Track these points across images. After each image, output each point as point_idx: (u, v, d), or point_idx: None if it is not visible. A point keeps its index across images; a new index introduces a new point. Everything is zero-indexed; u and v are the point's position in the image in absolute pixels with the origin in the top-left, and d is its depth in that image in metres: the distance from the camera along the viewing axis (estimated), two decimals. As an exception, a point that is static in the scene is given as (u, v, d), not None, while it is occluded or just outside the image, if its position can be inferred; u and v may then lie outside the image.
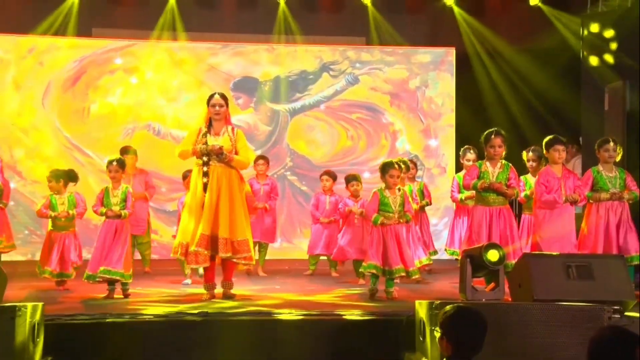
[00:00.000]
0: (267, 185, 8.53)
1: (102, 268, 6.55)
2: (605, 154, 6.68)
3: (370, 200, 6.71)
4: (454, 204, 8.44)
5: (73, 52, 10.58)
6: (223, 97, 6.57)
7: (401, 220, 6.63)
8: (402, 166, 7.15)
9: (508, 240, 6.39)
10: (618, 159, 6.73)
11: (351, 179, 7.98)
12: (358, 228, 7.75)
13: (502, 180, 6.51)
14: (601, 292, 5.12)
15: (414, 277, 6.72)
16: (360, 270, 7.07)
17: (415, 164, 8.58)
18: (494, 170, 6.54)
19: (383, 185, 6.72)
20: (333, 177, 8.44)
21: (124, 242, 6.70)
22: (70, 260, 7.10)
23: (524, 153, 7.50)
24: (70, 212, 7.14)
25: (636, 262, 6.57)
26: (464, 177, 7.02)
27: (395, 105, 11.12)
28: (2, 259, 7.50)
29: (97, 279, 6.59)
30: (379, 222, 6.55)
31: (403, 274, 6.51)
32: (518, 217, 7.45)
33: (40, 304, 4.90)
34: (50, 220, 7.18)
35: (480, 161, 6.73)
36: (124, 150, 8.33)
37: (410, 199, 7.09)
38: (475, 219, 6.56)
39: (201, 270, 6.98)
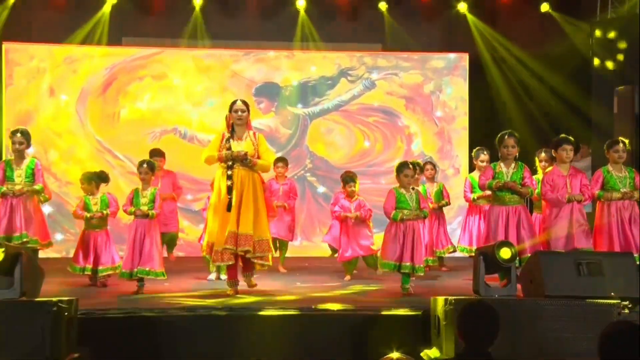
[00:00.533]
0: (286, 185, 8.55)
1: (139, 268, 6.59)
2: (615, 155, 6.61)
3: (387, 199, 6.73)
4: (467, 203, 8.39)
5: (104, 60, 10.66)
6: (245, 103, 6.59)
7: (419, 217, 6.65)
8: (416, 167, 7.15)
9: (524, 238, 6.36)
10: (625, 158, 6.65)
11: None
12: (353, 227, 7.71)
13: (517, 179, 6.48)
14: (611, 289, 5.07)
15: (418, 274, 6.71)
16: (378, 267, 7.06)
17: (434, 165, 8.57)
18: (508, 171, 6.51)
19: (398, 184, 6.75)
20: (355, 180, 8.45)
21: (155, 242, 6.74)
22: (105, 257, 7.11)
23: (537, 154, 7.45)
24: (104, 212, 7.19)
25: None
26: (479, 177, 6.98)
27: (411, 109, 11.09)
28: (39, 256, 7.57)
29: (134, 277, 6.63)
30: (398, 218, 6.58)
31: (409, 271, 6.53)
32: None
33: (74, 299, 4.96)
34: (84, 219, 7.24)
35: (494, 162, 6.70)
36: (153, 153, 8.36)
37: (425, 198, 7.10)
38: (492, 219, 6.53)
39: (223, 271, 7.06)
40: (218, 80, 10.87)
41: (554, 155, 6.76)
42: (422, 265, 6.63)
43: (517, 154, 6.57)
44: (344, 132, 11.06)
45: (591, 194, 6.57)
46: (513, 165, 6.54)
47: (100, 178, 7.40)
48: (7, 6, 10.06)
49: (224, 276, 7.20)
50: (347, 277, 7.74)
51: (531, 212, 7.23)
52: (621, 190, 6.51)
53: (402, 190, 6.70)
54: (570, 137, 6.70)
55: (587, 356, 4.19)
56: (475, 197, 7.85)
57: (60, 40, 10.45)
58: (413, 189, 6.78)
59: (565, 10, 10.55)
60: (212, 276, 7.53)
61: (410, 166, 6.82)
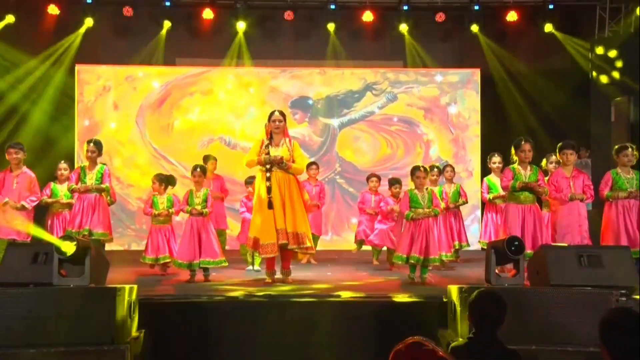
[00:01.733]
0: (318, 187, 8.57)
1: (201, 260, 6.65)
2: (625, 159, 6.49)
3: (403, 199, 6.78)
4: (482, 202, 8.29)
5: (160, 79, 10.80)
6: (282, 114, 6.59)
7: (430, 215, 6.62)
8: (428, 169, 7.11)
9: (537, 234, 6.31)
10: (634, 162, 6.52)
11: (394, 182, 7.96)
12: (397, 223, 7.70)
13: (533, 181, 6.41)
14: (609, 278, 4.99)
15: (433, 264, 6.73)
16: (393, 260, 7.04)
17: (453, 168, 8.49)
18: (525, 173, 6.44)
19: (413, 185, 6.74)
20: (379, 178, 8.47)
21: (212, 235, 6.81)
22: (169, 249, 7.17)
23: (544, 160, 7.34)
24: (170, 210, 7.25)
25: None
26: (501, 179, 6.86)
27: (429, 119, 11.02)
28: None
29: (193, 268, 6.68)
30: (410, 217, 6.60)
31: (416, 262, 6.54)
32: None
33: (135, 286, 5.01)
34: (152, 216, 7.30)
35: (512, 165, 6.58)
36: (206, 158, 8.37)
37: (439, 198, 7.05)
38: (510, 216, 6.46)
39: (257, 263, 7.10)
40: (258, 95, 10.92)
41: (558, 158, 6.68)
42: (436, 257, 6.61)
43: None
44: (369, 139, 11.03)
45: (594, 194, 6.47)
46: (529, 168, 6.47)
47: (169, 181, 7.46)
48: (79, 33, 10.24)
49: (257, 267, 7.28)
50: (375, 262, 7.78)
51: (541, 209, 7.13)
52: (628, 190, 6.39)
53: (416, 191, 6.69)
54: (572, 142, 6.61)
55: (588, 340, 4.13)
56: (492, 197, 7.75)
57: (122, 62, 10.60)
58: (426, 189, 6.75)
59: (567, 30, 10.40)
60: (251, 267, 7.56)
61: (422, 169, 6.78)
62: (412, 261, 6.54)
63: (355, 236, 8.54)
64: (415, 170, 6.78)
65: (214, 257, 6.70)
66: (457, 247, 8.12)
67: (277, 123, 6.49)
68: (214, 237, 6.83)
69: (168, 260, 7.15)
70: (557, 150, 6.66)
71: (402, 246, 6.62)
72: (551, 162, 7.32)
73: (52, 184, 7.60)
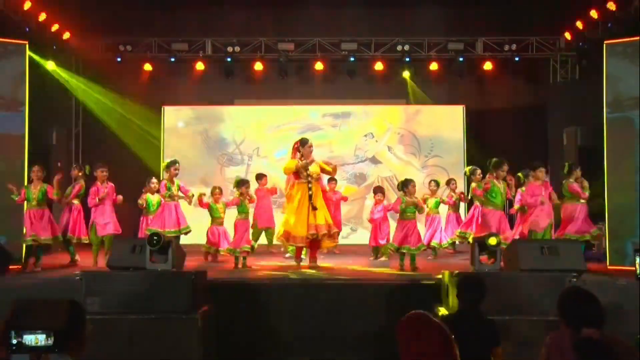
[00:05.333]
0: (337, 194, 8.43)
1: (242, 247, 6.78)
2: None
3: (396, 203, 6.85)
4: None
5: (225, 115, 10.76)
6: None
7: (416, 203, 6.76)
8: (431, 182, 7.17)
9: (505, 231, 6.54)
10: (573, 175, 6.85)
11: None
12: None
13: (504, 189, 6.67)
14: (564, 264, 4.99)
15: (422, 250, 6.77)
16: (388, 248, 7.07)
17: (446, 182, 8.61)
18: (500, 185, 6.69)
19: (403, 193, 6.82)
20: (384, 192, 8.36)
21: (248, 233, 6.97)
22: (219, 243, 7.27)
23: (520, 174, 7.30)
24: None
25: (587, 238, 6.72)
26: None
27: (424, 146, 10.82)
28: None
29: (236, 254, 6.80)
30: (404, 201, 6.71)
31: (407, 251, 6.58)
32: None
33: (205, 270, 5.13)
34: (211, 218, 7.39)
35: (492, 180, 6.77)
36: (259, 176, 8.32)
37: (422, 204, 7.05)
38: (487, 217, 6.64)
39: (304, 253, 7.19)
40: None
41: (532, 174, 6.90)
42: (422, 244, 6.71)
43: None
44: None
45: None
46: (501, 182, 6.74)
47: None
48: (165, 84, 10.48)
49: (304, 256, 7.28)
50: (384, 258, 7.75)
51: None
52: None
53: (406, 197, 6.74)
54: (541, 163, 6.98)
55: (549, 311, 4.10)
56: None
57: (195, 103, 10.72)
58: (414, 197, 6.81)
59: (529, 77, 10.41)
60: (288, 255, 7.54)
61: (412, 182, 6.86)
62: (404, 251, 6.56)
63: (370, 242, 8.41)
64: (407, 182, 6.85)
65: (248, 247, 6.82)
66: (453, 241, 8.10)
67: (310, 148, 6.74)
68: (249, 234, 6.98)
69: (217, 252, 7.26)
70: (532, 168, 6.90)
71: (396, 239, 6.68)
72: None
73: (146, 195, 7.78)
